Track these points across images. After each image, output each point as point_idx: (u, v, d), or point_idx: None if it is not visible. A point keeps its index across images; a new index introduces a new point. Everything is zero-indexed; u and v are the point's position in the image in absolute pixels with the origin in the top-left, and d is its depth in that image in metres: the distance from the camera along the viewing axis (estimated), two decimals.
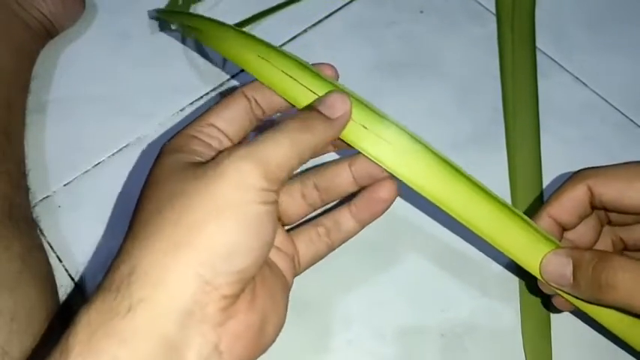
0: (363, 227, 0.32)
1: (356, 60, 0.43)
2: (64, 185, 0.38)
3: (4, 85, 0.38)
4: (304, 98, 0.29)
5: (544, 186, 0.38)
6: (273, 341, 0.27)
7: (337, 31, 0.45)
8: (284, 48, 0.43)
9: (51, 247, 0.36)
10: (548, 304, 0.34)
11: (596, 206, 0.31)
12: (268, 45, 0.31)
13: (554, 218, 0.31)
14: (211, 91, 0.42)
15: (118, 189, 0.38)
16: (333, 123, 0.29)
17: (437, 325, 0.34)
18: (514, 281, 0.35)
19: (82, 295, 0.35)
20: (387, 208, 0.31)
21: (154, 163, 0.28)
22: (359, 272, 0.35)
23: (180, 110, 0.41)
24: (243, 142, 0.30)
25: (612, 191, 0.30)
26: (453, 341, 0.33)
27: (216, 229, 0.24)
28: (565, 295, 0.30)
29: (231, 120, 0.29)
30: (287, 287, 0.29)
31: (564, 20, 0.45)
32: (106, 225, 0.37)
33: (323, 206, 0.32)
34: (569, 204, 0.31)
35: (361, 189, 0.31)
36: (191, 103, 0.42)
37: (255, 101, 0.30)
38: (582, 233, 0.32)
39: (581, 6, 0.45)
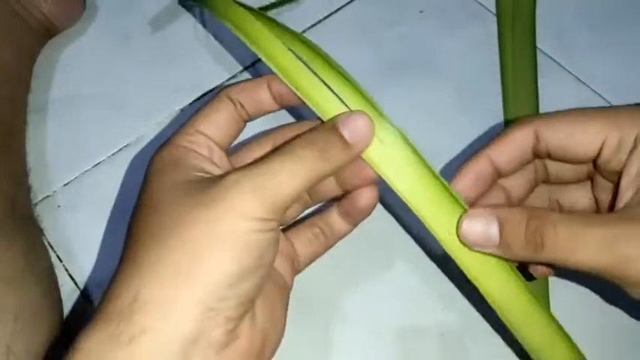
0: (354, 227, 0.32)
1: (355, 60, 0.43)
2: (64, 185, 0.38)
3: (6, 84, 0.38)
4: (332, 109, 0.28)
5: None
6: (273, 356, 0.27)
7: (337, 31, 0.45)
8: None
9: (51, 246, 0.36)
10: None
11: (539, 154, 0.29)
12: (303, 39, 0.29)
13: (493, 161, 0.29)
14: (210, 91, 0.42)
15: (118, 189, 0.38)
16: (352, 150, 0.27)
17: (437, 324, 0.34)
18: None
19: (85, 297, 0.35)
20: (369, 214, 0.31)
21: (147, 180, 0.27)
22: (358, 271, 0.35)
23: (181, 110, 0.41)
24: (239, 152, 0.30)
25: (560, 134, 0.28)
26: (453, 340, 0.33)
27: (218, 258, 0.24)
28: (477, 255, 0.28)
29: (218, 126, 0.29)
30: (287, 292, 0.29)
31: (565, 20, 0.45)
32: (106, 225, 0.37)
33: (313, 206, 0.33)
34: (511, 147, 0.29)
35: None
36: (191, 103, 0.42)
37: (241, 104, 0.29)
38: (515, 185, 0.31)
39: (581, 6, 0.45)
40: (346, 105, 0.28)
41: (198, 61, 0.43)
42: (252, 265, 0.24)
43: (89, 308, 0.34)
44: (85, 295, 0.35)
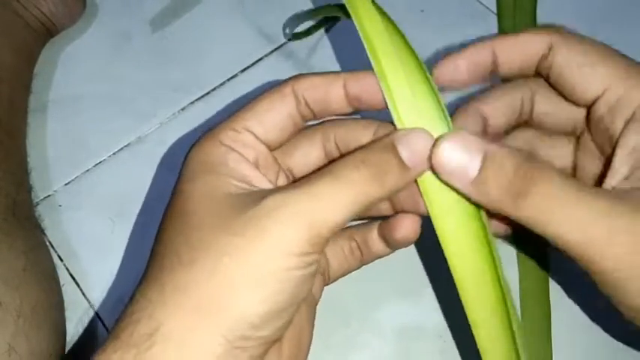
0: (393, 251, 0.29)
1: (356, 59, 0.43)
2: (65, 184, 0.38)
3: (5, 84, 0.38)
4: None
5: None
6: None
7: (337, 30, 0.45)
8: (284, 47, 0.44)
9: (52, 246, 0.36)
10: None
11: (539, 70, 0.26)
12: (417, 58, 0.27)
13: (496, 54, 0.27)
14: (212, 90, 0.42)
15: (119, 188, 0.38)
16: (409, 173, 0.23)
17: (436, 324, 0.34)
18: (514, 280, 0.35)
19: (83, 294, 0.35)
20: (407, 245, 0.28)
21: (181, 181, 0.24)
22: (358, 270, 0.35)
23: (181, 110, 0.41)
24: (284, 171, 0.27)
25: (571, 60, 0.25)
26: (453, 341, 0.33)
27: (250, 296, 0.21)
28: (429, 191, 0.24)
29: (271, 126, 0.25)
30: (314, 309, 0.28)
31: (565, 20, 0.44)
32: (107, 224, 0.37)
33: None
34: (520, 47, 0.26)
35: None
36: (192, 103, 0.42)
37: (306, 102, 0.25)
38: (495, 113, 0.27)
39: (581, 6, 0.45)
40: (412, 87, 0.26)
41: (198, 61, 0.43)
42: (283, 306, 0.22)
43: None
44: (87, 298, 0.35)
